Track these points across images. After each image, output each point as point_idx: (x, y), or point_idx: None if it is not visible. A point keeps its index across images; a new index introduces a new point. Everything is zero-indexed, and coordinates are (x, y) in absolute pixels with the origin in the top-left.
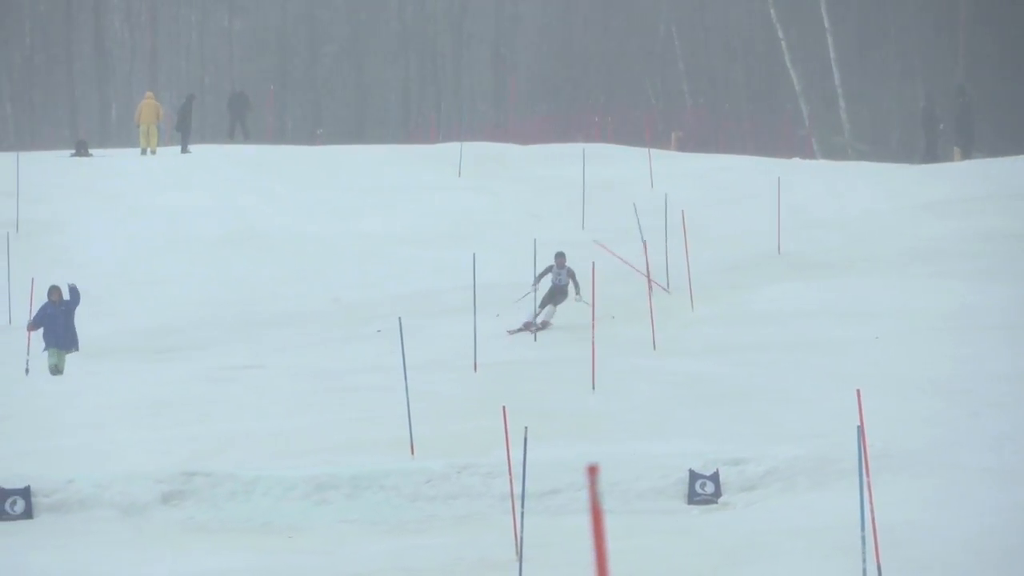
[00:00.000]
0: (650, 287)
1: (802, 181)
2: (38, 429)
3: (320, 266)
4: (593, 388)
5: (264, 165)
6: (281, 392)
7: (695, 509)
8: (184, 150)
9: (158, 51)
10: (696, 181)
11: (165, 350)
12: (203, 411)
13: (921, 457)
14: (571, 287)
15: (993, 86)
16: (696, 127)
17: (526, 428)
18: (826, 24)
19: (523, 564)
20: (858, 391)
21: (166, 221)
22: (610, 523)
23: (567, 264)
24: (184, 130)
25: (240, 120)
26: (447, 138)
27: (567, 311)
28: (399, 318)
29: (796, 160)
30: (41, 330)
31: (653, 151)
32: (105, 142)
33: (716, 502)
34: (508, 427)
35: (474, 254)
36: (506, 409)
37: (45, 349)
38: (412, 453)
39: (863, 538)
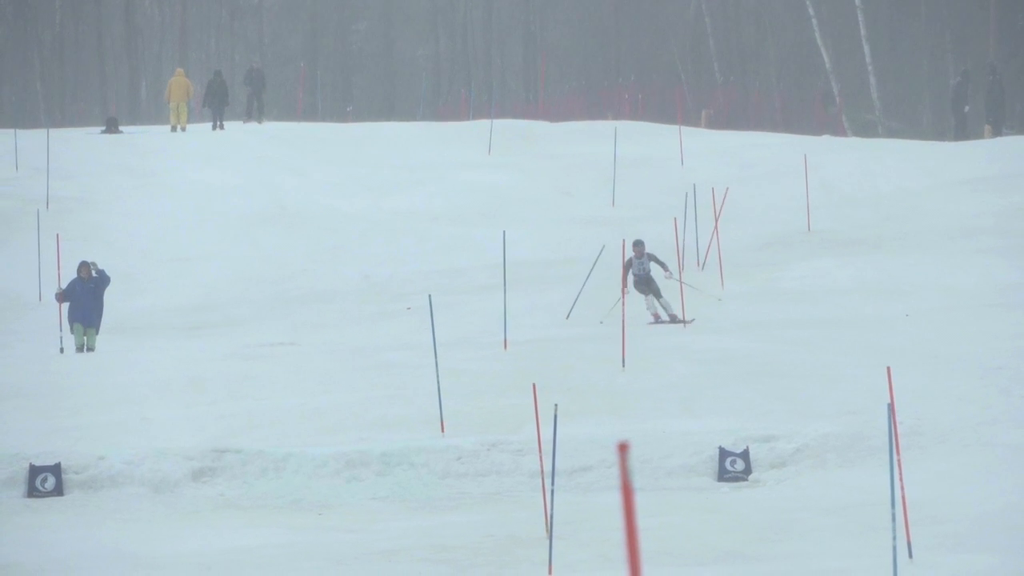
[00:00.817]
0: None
1: (833, 159)
2: (69, 406)
3: (351, 243)
4: (623, 366)
5: (295, 142)
6: (312, 369)
7: (725, 486)
8: (216, 127)
9: (188, 28)
10: (726, 159)
11: (197, 327)
12: (234, 388)
13: (952, 434)
14: (657, 271)
15: (1023, 63)
16: (726, 104)
17: (556, 405)
18: (857, 1)
19: (553, 541)
20: (888, 368)
21: (198, 198)
22: (640, 500)
23: (647, 251)
24: (216, 107)
25: (256, 97)
26: (477, 115)
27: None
28: (429, 295)
29: (827, 137)
30: (67, 306)
31: (683, 128)
32: (135, 119)
33: (746, 479)
34: (538, 404)
35: (504, 232)
36: (536, 386)
37: (72, 330)
38: (442, 430)
39: (893, 515)
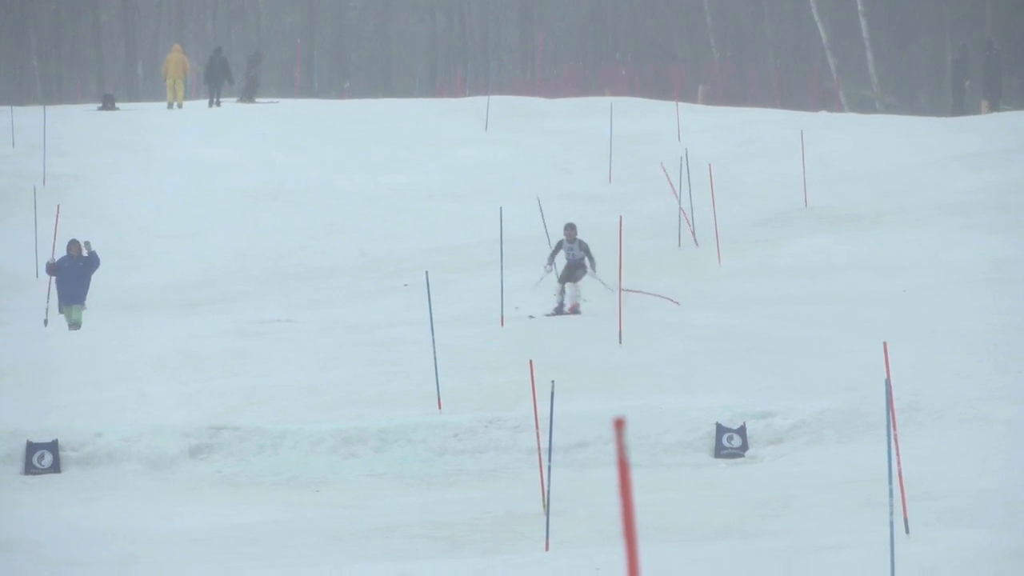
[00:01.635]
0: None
1: (830, 135)
2: (66, 383)
3: (348, 220)
4: (620, 342)
5: (292, 119)
6: (309, 346)
7: (722, 463)
8: (213, 103)
9: (184, 5)
10: (723, 135)
11: (194, 304)
12: (231, 365)
13: (949, 410)
14: (586, 262)
15: (1020, 39)
16: (723, 81)
17: (553, 382)
18: None
19: (550, 517)
20: (885, 344)
21: (195, 175)
22: (637, 476)
23: (578, 237)
24: (215, 84)
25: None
26: (474, 92)
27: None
28: (426, 272)
29: (824, 113)
30: (55, 282)
31: (680, 105)
32: (132, 96)
33: (743, 455)
34: (535, 381)
35: (500, 208)
36: (533, 363)
37: (60, 310)
38: (439, 407)
39: (891, 491)
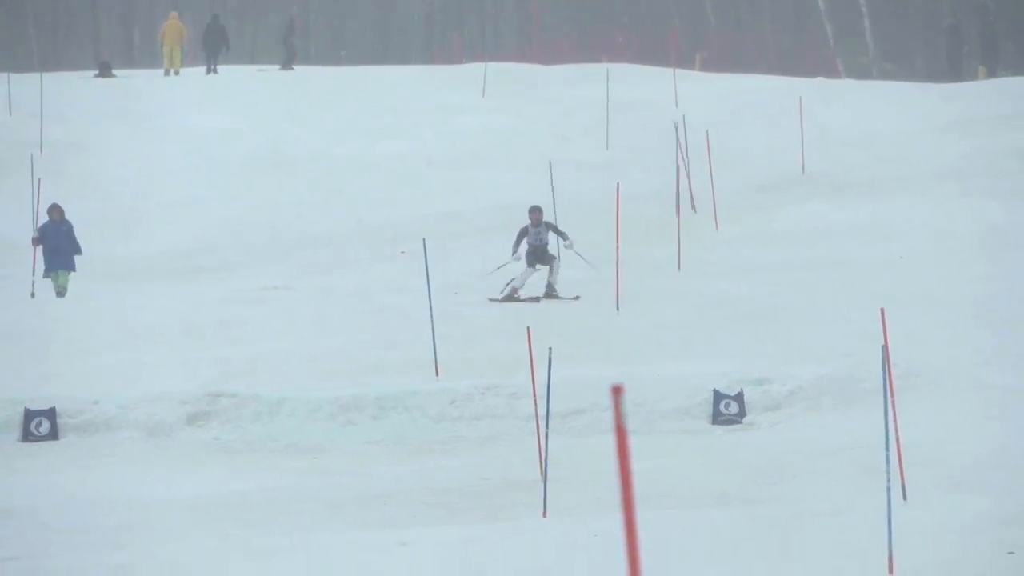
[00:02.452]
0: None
1: (827, 101)
2: (64, 350)
3: (346, 187)
4: (617, 309)
5: (289, 87)
6: (307, 314)
7: (719, 429)
8: (210, 70)
9: None
10: (720, 102)
11: (191, 272)
12: (229, 332)
13: (946, 376)
14: (558, 241)
15: (1017, 4)
16: (721, 47)
17: (550, 349)
18: None
19: (548, 484)
20: (882, 310)
21: (192, 142)
22: (634, 443)
23: (544, 219)
24: (211, 51)
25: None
26: (470, 59)
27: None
28: (423, 239)
29: (821, 80)
30: (42, 250)
31: (678, 71)
32: (128, 63)
33: (740, 422)
34: (532, 348)
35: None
36: (530, 330)
37: (46, 275)
38: (437, 374)
39: (888, 457)
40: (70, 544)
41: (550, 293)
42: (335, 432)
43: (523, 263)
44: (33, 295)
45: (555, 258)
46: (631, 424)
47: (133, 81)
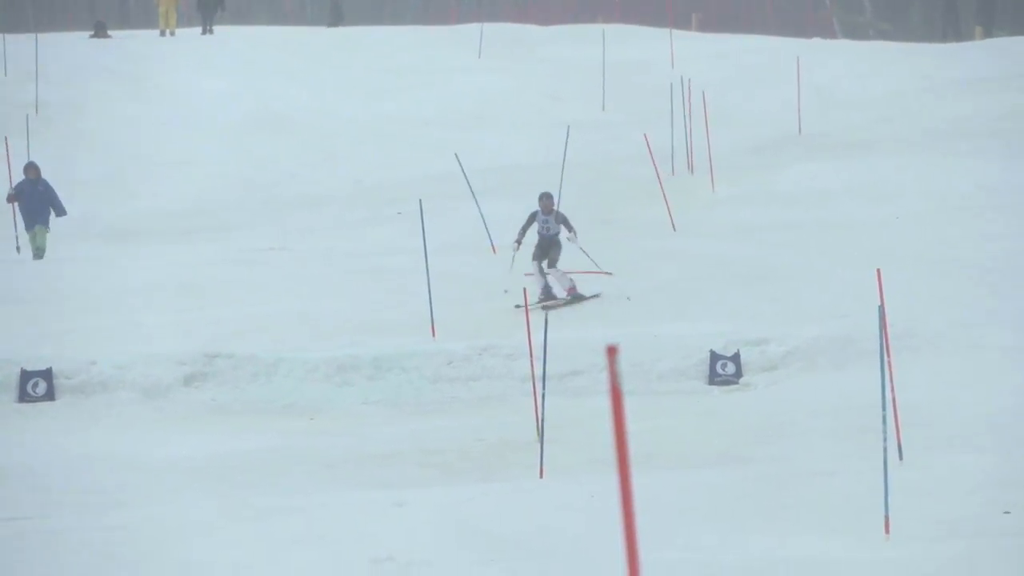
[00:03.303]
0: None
1: (824, 61)
2: (60, 311)
3: (342, 148)
4: (613, 270)
5: (285, 48)
6: (303, 274)
7: (716, 390)
8: (206, 31)
9: None
10: (717, 62)
11: (188, 233)
12: (226, 293)
13: (943, 336)
14: (563, 233)
15: None
16: (717, 8)
17: (547, 309)
18: None
19: (544, 445)
20: (878, 271)
21: (188, 103)
22: (631, 404)
23: (555, 208)
24: (206, 10)
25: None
26: (466, 20)
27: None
28: (420, 200)
29: (817, 40)
30: (19, 209)
31: (674, 32)
32: (124, 23)
33: (737, 383)
34: (529, 308)
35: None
36: (527, 291)
37: (27, 231)
38: (433, 335)
39: (884, 417)
40: (67, 505)
41: (547, 297)
42: (332, 393)
43: (534, 269)
44: (18, 250)
45: (560, 250)
46: (627, 385)
47: (129, 42)
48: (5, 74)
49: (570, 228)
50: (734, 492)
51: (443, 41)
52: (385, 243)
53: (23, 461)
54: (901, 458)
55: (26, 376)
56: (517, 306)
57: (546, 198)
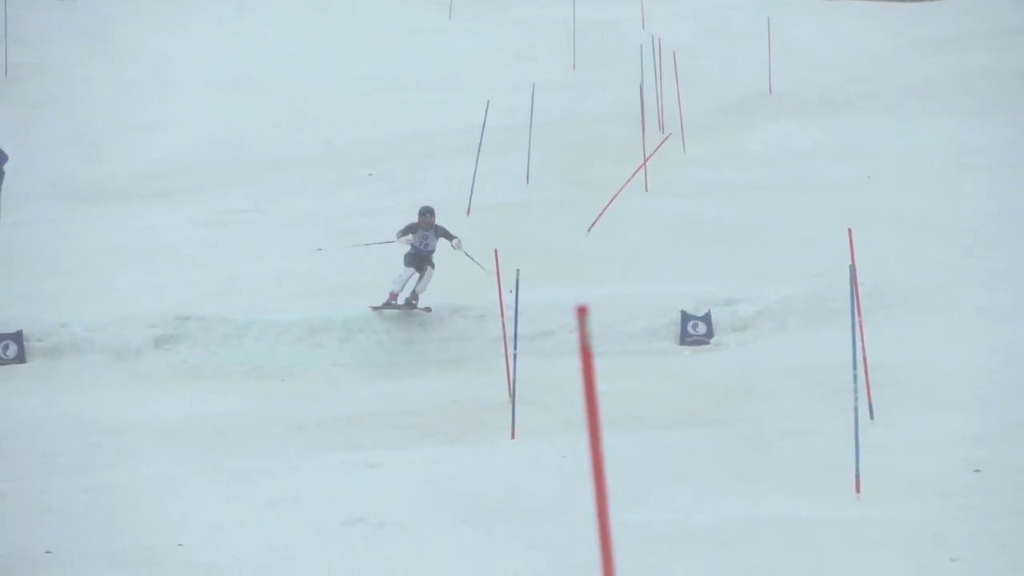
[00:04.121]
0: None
1: (797, 21)
2: (30, 274)
3: (314, 110)
4: (587, 230)
5: (257, 9)
6: (275, 236)
7: (687, 350)
8: None
9: None
10: (688, 22)
11: (159, 195)
12: (197, 255)
13: (914, 296)
14: (441, 243)
15: None
16: None
17: (518, 270)
18: None
19: (516, 406)
20: (849, 230)
21: (158, 64)
22: (602, 364)
23: (436, 223)
24: None
25: None
26: None
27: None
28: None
29: None
30: None
31: None
32: None
33: (708, 343)
34: (501, 269)
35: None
36: (498, 252)
37: None
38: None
39: (855, 376)
40: (39, 467)
41: (410, 302)
42: (303, 355)
43: (401, 264)
44: None
45: (432, 268)
46: (599, 346)
47: (98, 2)
48: None
49: (451, 237)
50: (706, 452)
51: (414, 2)
52: (357, 205)
53: None
54: (872, 417)
55: None
56: (372, 307)
57: (427, 213)
